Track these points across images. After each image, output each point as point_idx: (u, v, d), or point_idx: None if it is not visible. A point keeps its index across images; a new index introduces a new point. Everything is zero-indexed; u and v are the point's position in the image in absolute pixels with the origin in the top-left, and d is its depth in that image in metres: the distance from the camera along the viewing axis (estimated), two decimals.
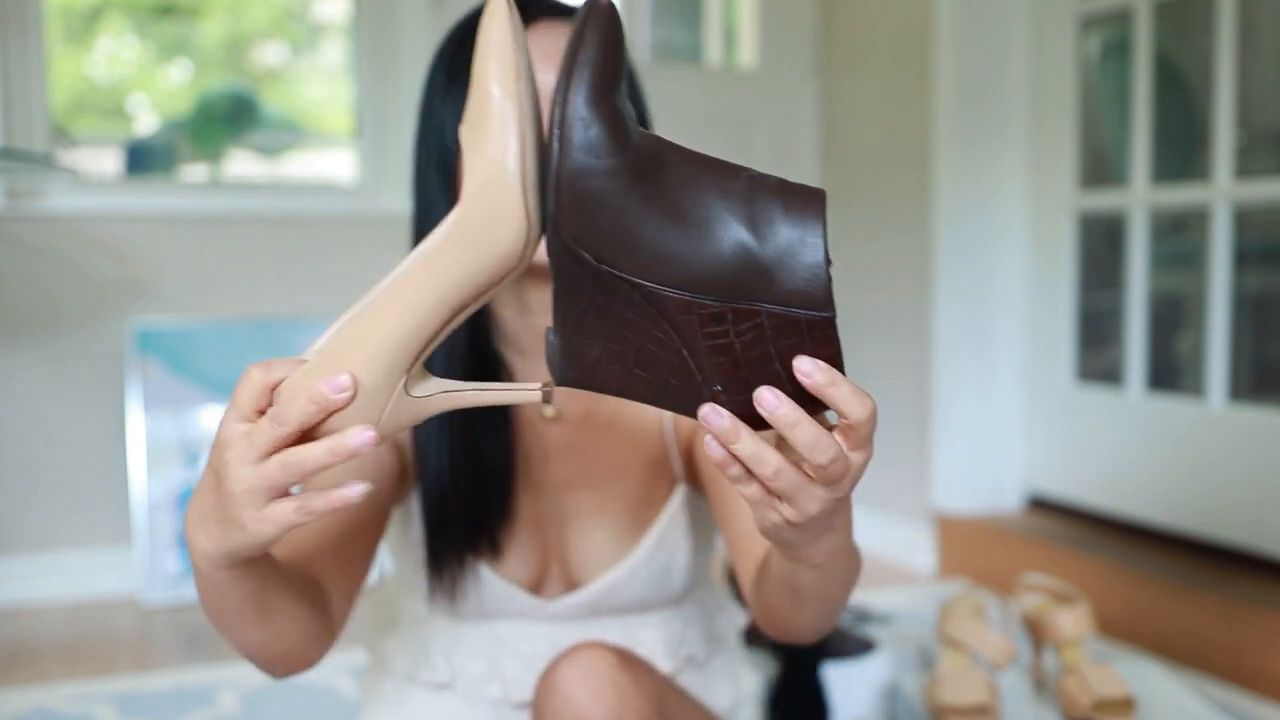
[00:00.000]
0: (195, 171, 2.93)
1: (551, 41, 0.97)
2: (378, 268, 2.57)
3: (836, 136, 2.93)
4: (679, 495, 1.07)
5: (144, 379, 2.42)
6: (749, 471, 0.64)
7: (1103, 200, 2.37)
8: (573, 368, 0.65)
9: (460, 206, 0.64)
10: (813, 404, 0.63)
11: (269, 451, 0.65)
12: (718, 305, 0.62)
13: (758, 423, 0.63)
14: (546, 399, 0.67)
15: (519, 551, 1.05)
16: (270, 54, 3.01)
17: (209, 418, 2.46)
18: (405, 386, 0.66)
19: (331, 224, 2.63)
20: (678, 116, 2.85)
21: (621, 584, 1.06)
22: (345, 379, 0.64)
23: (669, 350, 0.63)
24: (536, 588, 1.07)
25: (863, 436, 0.63)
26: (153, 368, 2.43)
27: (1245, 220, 2.15)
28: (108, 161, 2.80)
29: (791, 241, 0.62)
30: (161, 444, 2.42)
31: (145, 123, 2.90)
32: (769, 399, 0.61)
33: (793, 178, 2.99)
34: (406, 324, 0.65)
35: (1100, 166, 2.47)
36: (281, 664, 0.83)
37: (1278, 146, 2.23)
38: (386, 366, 0.65)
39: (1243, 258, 2.14)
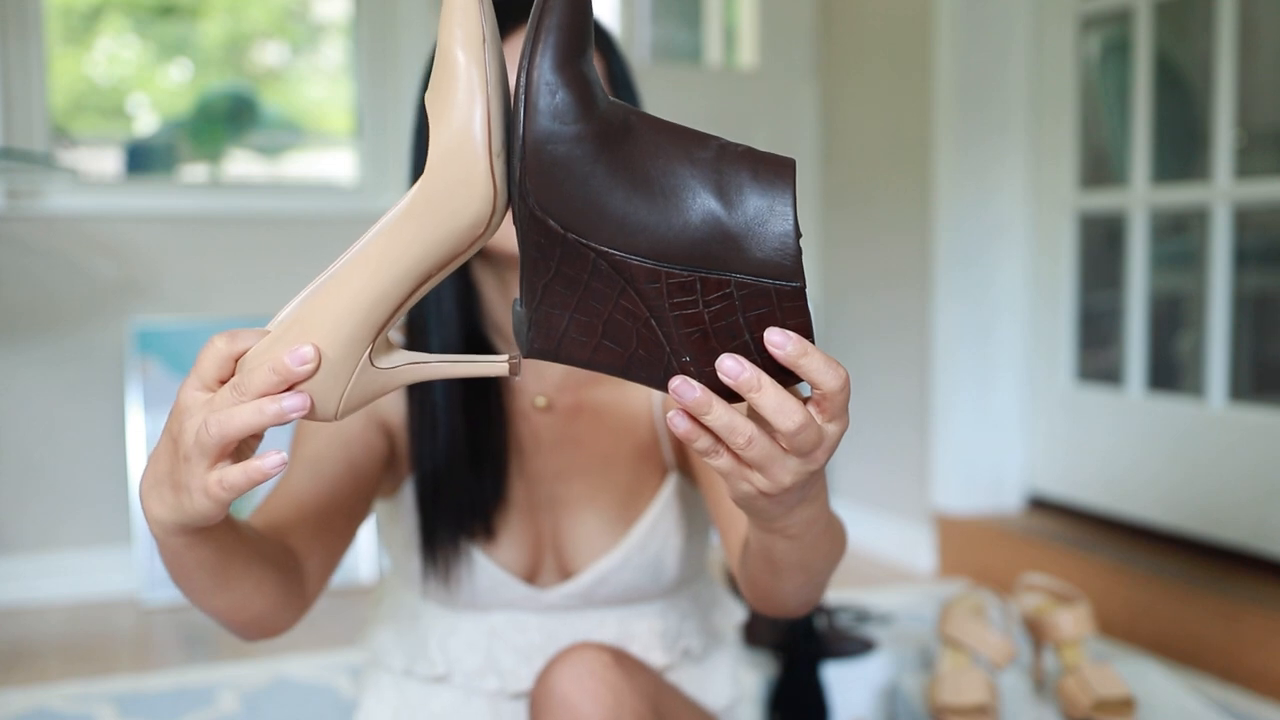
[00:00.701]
0: (195, 171, 2.93)
1: None
2: None
3: (836, 136, 2.93)
4: (671, 484, 1.08)
5: (144, 379, 2.42)
6: (720, 442, 0.63)
7: (1103, 200, 2.37)
8: (539, 338, 0.64)
9: (425, 174, 0.62)
10: (785, 376, 0.62)
11: None
12: (686, 274, 0.61)
13: (727, 395, 0.63)
14: (513, 371, 0.66)
15: (513, 539, 1.05)
16: (270, 54, 3.01)
17: None
18: (370, 357, 0.65)
19: (331, 224, 2.63)
20: (678, 117, 2.85)
21: (613, 572, 1.06)
22: (308, 350, 0.63)
23: (637, 320, 0.62)
24: (531, 577, 1.07)
25: (837, 407, 0.62)
26: (152, 367, 2.43)
27: (1245, 220, 2.15)
28: (108, 161, 2.80)
29: (760, 210, 0.61)
30: None
31: (145, 123, 2.90)
32: (730, 365, 0.60)
33: None
34: (371, 293, 0.64)
35: (1100, 166, 2.47)
36: (249, 628, 0.83)
37: (1278, 146, 2.23)
38: (351, 337, 0.64)
39: (1243, 258, 2.14)
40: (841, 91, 2.90)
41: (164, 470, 0.67)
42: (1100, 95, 2.46)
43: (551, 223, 0.61)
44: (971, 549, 2.43)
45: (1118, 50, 2.40)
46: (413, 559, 1.07)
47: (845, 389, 0.62)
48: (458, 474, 1.02)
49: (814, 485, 0.68)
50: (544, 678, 0.92)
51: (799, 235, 0.61)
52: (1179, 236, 2.38)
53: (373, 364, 0.65)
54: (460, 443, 1.01)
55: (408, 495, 1.06)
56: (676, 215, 0.61)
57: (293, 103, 3.02)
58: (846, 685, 1.70)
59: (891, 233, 2.69)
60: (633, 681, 0.92)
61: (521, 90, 0.60)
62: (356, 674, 1.90)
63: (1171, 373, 2.35)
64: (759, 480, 0.64)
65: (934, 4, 2.51)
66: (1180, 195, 2.21)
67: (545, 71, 0.60)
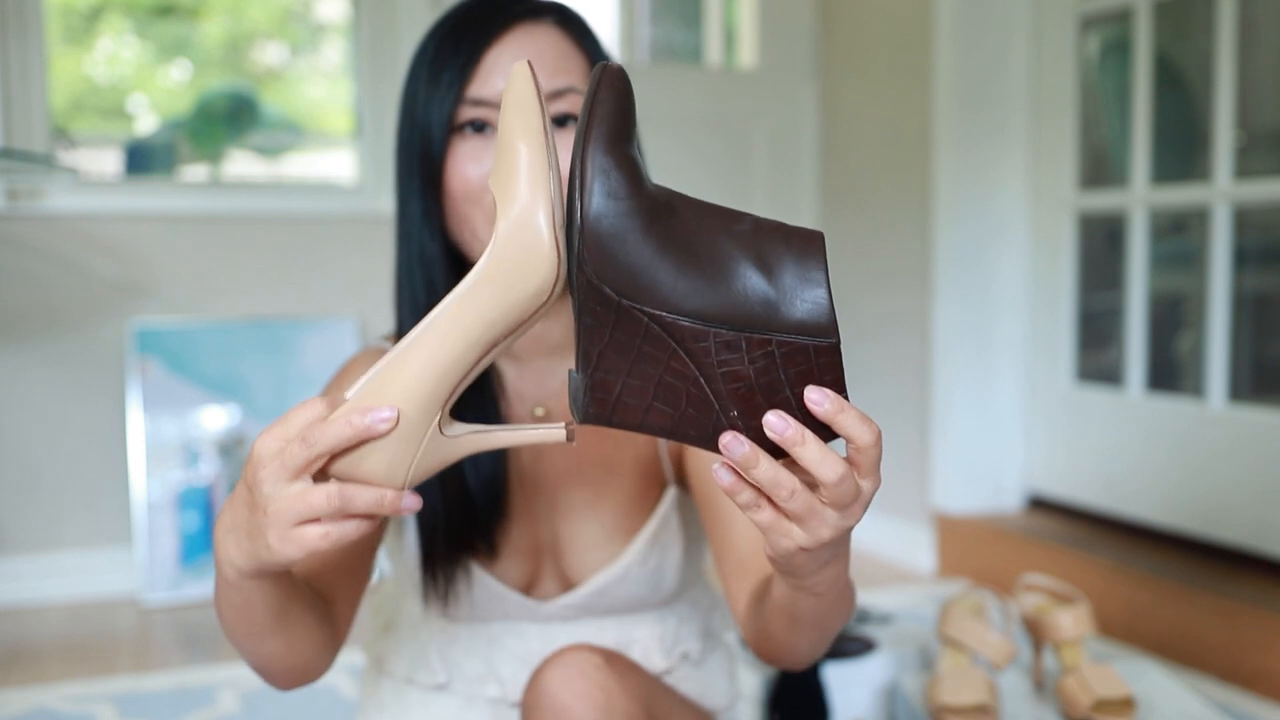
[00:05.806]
0: (195, 171, 2.93)
1: (532, 42, 0.97)
2: (378, 268, 2.57)
3: (836, 136, 2.93)
4: (670, 496, 1.07)
5: (144, 379, 2.42)
6: (763, 496, 0.67)
7: (1103, 200, 2.37)
8: (595, 404, 0.69)
9: (494, 249, 0.68)
10: (821, 432, 0.67)
11: (299, 472, 0.67)
12: (731, 334, 0.67)
13: (769, 449, 0.67)
14: (570, 438, 0.71)
15: (512, 552, 1.05)
16: (270, 54, 3.01)
17: (209, 418, 2.46)
18: (439, 425, 0.69)
19: (331, 224, 2.63)
20: (678, 116, 2.85)
21: (614, 584, 1.06)
22: (389, 411, 0.67)
23: (686, 381, 0.68)
24: (529, 588, 1.07)
25: (870, 462, 0.67)
26: (153, 368, 2.43)
27: (1245, 220, 2.15)
28: (108, 161, 2.80)
29: (797, 276, 0.68)
30: (161, 444, 2.42)
31: (145, 123, 2.90)
32: (776, 422, 0.65)
33: (792, 178, 2.99)
34: (443, 360, 0.68)
35: (1100, 166, 2.47)
36: (292, 675, 0.86)
37: (1278, 146, 2.23)
38: (425, 402, 0.68)
39: (1243, 258, 2.14)
40: (841, 91, 2.90)
41: (240, 517, 0.70)
42: (1100, 95, 2.46)
43: (607, 290, 0.67)
44: (971, 549, 2.43)
45: (1118, 50, 2.40)
46: (414, 570, 1.06)
47: (878, 444, 0.66)
48: (456, 490, 1.01)
49: (844, 543, 0.72)
50: (535, 680, 0.93)
51: (831, 297, 0.67)
52: (1179, 236, 2.38)
53: (442, 432, 0.69)
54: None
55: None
56: (722, 282, 0.68)
57: (293, 103, 3.02)
58: (846, 685, 1.70)
59: (891, 232, 2.69)
60: (623, 682, 0.92)
61: (578, 172, 0.67)
62: (356, 675, 1.90)
63: (1171, 373, 2.35)
64: (798, 535, 0.67)
65: (934, 4, 2.51)
66: (1180, 195, 2.21)
67: (599, 154, 0.67)
